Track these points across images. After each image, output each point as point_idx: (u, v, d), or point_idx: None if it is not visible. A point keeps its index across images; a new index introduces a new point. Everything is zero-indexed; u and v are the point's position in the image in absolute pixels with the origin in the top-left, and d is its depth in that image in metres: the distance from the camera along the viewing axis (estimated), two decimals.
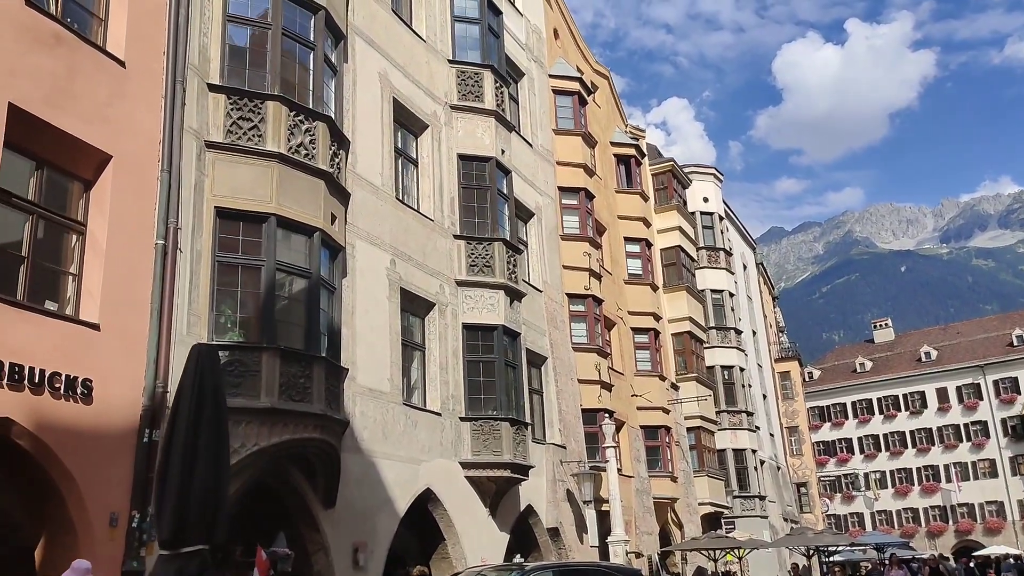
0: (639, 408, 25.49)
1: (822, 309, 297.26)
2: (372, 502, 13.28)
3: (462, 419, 16.28)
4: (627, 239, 27.36)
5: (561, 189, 23.33)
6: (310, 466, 11.83)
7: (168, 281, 10.01)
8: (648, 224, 28.69)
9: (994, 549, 48.91)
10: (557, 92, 24.09)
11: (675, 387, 28.98)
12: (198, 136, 11.06)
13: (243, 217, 11.23)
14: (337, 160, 12.82)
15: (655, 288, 27.87)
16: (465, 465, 16.09)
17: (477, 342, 17.09)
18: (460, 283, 17.12)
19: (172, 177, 10.32)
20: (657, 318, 27.38)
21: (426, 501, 15.11)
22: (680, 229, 31.08)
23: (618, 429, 24.13)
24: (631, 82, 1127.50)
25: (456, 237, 17.37)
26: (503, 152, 18.74)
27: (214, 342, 10.59)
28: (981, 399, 62.92)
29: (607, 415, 20.53)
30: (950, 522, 62.30)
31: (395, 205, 15.69)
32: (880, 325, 77.61)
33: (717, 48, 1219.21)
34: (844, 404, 68.89)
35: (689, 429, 29.28)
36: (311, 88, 12.55)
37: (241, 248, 11.22)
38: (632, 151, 28.50)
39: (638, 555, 23.14)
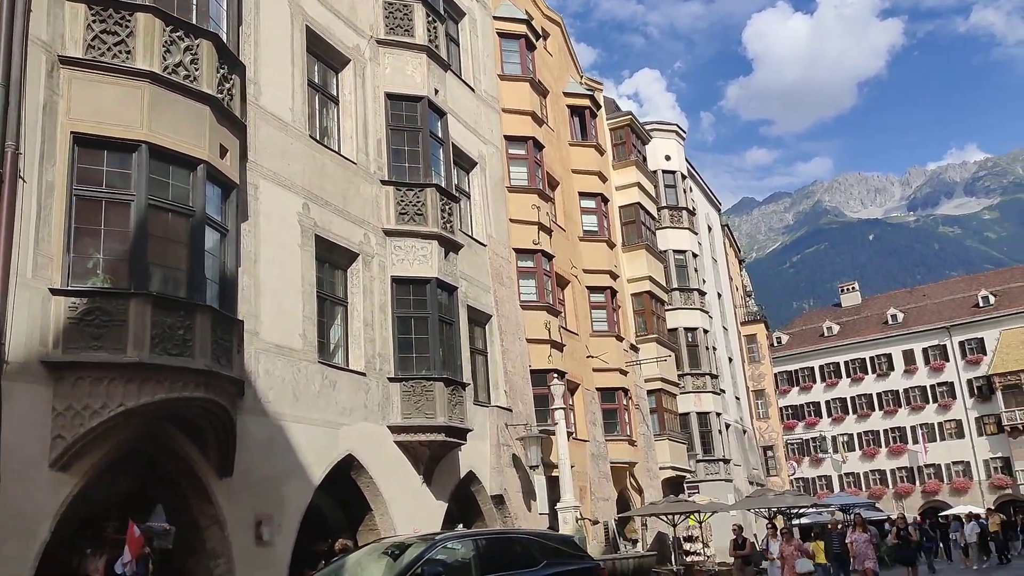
0: (595, 370, 24.34)
1: (793, 278, 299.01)
2: (280, 470, 11.93)
3: (391, 380, 14.96)
4: (582, 194, 26.07)
5: (507, 138, 21.93)
6: (198, 430, 10.45)
7: (5, 215, 8.52)
8: (604, 179, 27.39)
9: (960, 509, 48.85)
10: (502, 35, 22.60)
11: (635, 349, 27.88)
12: (48, 49, 9.50)
13: (107, 145, 9.71)
14: (228, 86, 11.30)
15: (612, 246, 26.64)
16: (394, 429, 14.80)
17: (408, 297, 15.74)
18: (388, 232, 15.71)
19: (11, 94, 8.79)
20: (614, 277, 26.17)
21: (348, 469, 13.81)
22: (639, 186, 29.81)
23: (572, 392, 23.04)
24: (603, 53, 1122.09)
25: (384, 183, 15.94)
26: (437, 92, 17.27)
27: (70, 288, 9.14)
28: (947, 360, 62.80)
29: (556, 376, 19.32)
30: (917, 483, 62.36)
31: (309, 144, 14.21)
32: (847, 289, 77.28)
33: (687, 18, 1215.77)
34: (812, 368, 68.59)
35: (649, 392, 28.23)
36: (195, 2, 10.99)
37: (106, 180, 9.71)
38: (587, 102, 27.11)
39: (594, 521, 22.10)
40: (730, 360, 41.44)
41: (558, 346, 21.39)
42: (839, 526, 19.90)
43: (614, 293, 25.87)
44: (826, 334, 70.16)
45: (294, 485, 12.20)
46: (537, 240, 21.42)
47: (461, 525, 16.40)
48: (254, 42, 13.07)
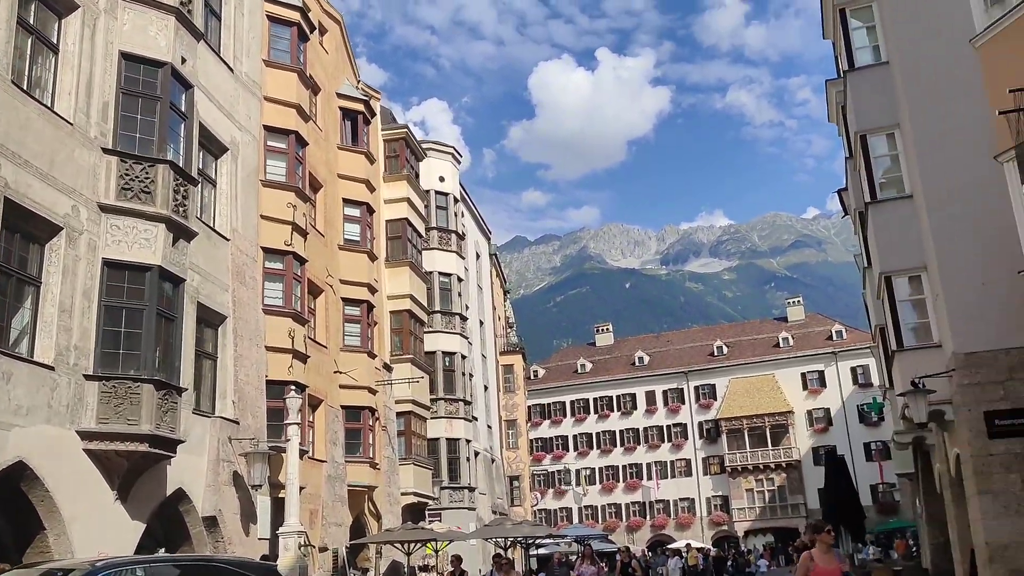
0: (342, 386, 23.00)
1: (555, 317, 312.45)
2: None
3: (88, 377, 12.86)
4: (346, 201, 24.82)
5: (267, 128, 20.31)
6: None
7: None
8: (373, 189, 26.33)
9: (682, 543, 52.17)
10: (273, 19, 21.02)
11: (388, 368, 26.85)
12: None
13: None
14: None
15: (374, 258, 25.55)
16: (86, 435, 12.69)
17: (123, 284, 13.73)
18: (105, 208, 13.65)
19: None
20: (373, 291, 25.07)
21: (18, 479, 11.56)
22: (409, 202, 29.03)
23: (314, 408, 21.54)
24: (393, 77, 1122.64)
25: (106, 151, 13.88)
26: (184, 61, 15.47)
27: None
28: (683, 403, 67.50)
29: (295, 389, 17.84)
30: (648, 517, 66.07)
31: (10, 90, 11.97)
32: (602, 330, 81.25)
33: (479, 57, 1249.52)
34: (564, 403, 71.06)
35: (399, 414, 27.26)
36: None
37: None
38: (361, 107, 26.00)
39: (322, 548, 20.63)
40: (485, 388, 41.55)
41: (302, 357, 19.89)
42: (564, 557, 19.74)
43: (371, 308, 24.76)
44: (579, 371, 73.14)
45: None
46: (290, 241, 19.90)
47: (163, 549, 14.45)
48: None
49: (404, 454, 27.08)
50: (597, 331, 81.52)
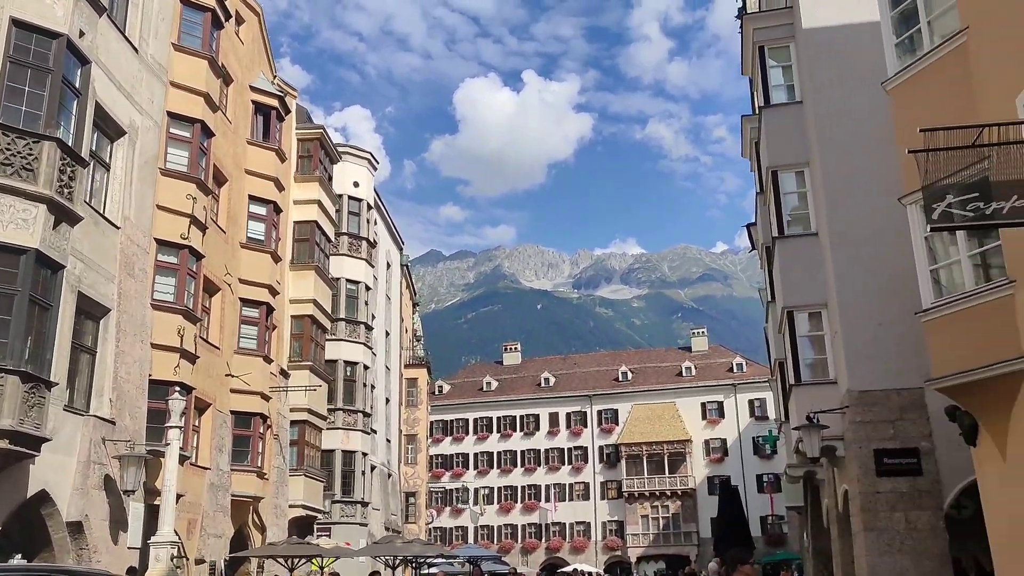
0: (233, 391, 21.97)
1: (466, 334, 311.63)
2: None
3: None
4: (253, 198, 23.86)
5: (171, 115, 19.31)
6: None
7: None
8: (282, 188, 25.42)
9: (577, 566, 52.23)
10: (186, 2, 20.07)
11: (285, 374, 25.87)
12: None
13: None
14: None
15: (277, 259, 24.62)
16: None
17: None
18: None
19: None
20: (274, 293, 24.12)
21: None
22: (320, 205, 28.20)
23: (201, 411, 20.49)
24: (317, 81, 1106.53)
25: None
26: (83, 35, 14.50)
27: None
28: (586, 427, 67.85)
29: (179, 390, 16.83)
30: (543, 539, 65.95)
31: None
32: (511, 349, 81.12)
33: (405, 68, 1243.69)
34: (467, 420, 70.52)
35: (294, 422, 26.29)
36: None
37: None
38: (275, 102, 25.14)
39: (198, 561, 19.54)
40: (387, 401, 40.70)
41: (191, 357, 18.86)
42: None
43: (271, 310, 23.80)
44: (485, 388, 72.78)
45: None
46: (187, 235, 18.90)
47: (19, 556, 13.29)
48: None
49: (296, 464, 26.10)
50: (505, 350, 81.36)
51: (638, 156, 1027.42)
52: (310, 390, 25.33)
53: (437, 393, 71.10)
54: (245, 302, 22.85)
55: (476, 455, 69.43)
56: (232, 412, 21.96)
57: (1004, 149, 7.48)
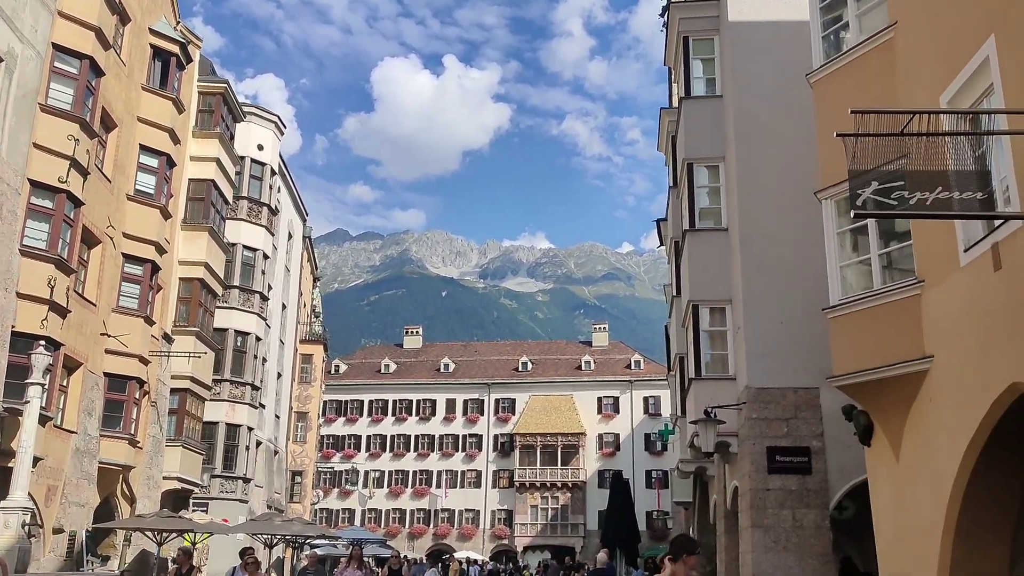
0: (108, 351, 20.48)
1: (367, 316, 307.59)
2: None
3: None
4: (144, 148, 22.29)
5: (57, 48, 17.76)
6: None
7: None
8: (177, 141, 23.86)
9: (464, 554, 51.87)
10: None
11: (168, 338, 24.40)
12: None
13: None
14: None
15: (167, 216, 23.10)
16: None
17: None
18: None
19: None
20: (162, 251, 22.63)
21: None
22: (218, 163, 26.72)
23: (71, 371, 19.00)
24: (230, 44, 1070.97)
25: None
26: None
27: None
28: (482, 414, 67.54)
29: (44, 344, 15.43)
30: (431, 525, 65.36)
31: None
32: (412, 332, 79.99)
33: (323, 40, 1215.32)
34: (362, 401, 69.15)
35: (175, 390, 24.86)
36: None
37: None
38: (175, 49, 23.56)
39: (56, 530, 18.11)
40: (279, 376, 39.25)
41: (61, 311, 17.39)
42: (319, 559, 17.80)
43: (156, 269, 22.32)
44: (383, 371, 71.54)
45: None
46: (66, 178, 17.40)
47: None
48: None
49: (173, 435, 24.68)
50: (406, 333, 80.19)
51: (553, 151, 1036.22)
52: (194, 357, 23.94)
53: (333, 372, 69.46)
54: (128, 258, 21.33)
55: (369, 437, 68.19)
56: (106, 374, 20.48)
57: (930, 140, 7.28)
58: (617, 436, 65.10)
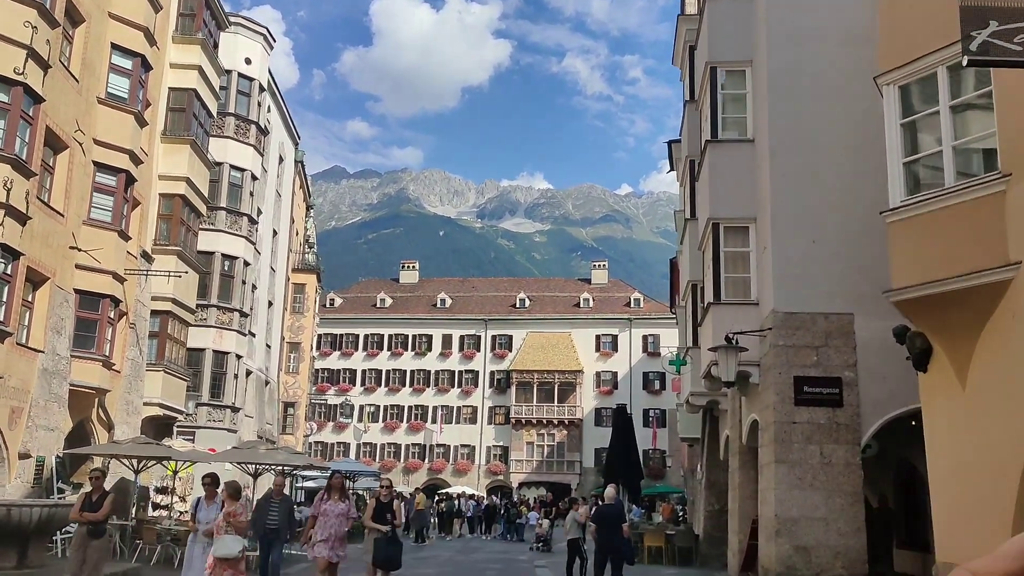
0: (79, 267, 18.98)
1: (364, 254, 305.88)
2: None
3: None
4: (116, 47, 20.39)
5: None
6: None
7: None
8: (153, 42, 21.92)
9: (458, 488, 51.32)
10: None
11: (148, 257, 22.91)
12: None
13: None
14: None
15: (144, 124, 21.34)
16: None
17: None
18: None
19: None
20: (138, 162, 20.94)
21: None
22: (201, 72, 24.84)
23: (36, 285, 17.53)
24: None
25: None
26: None
27: None
28: (479, 350, 66.54)
29: (1, 253, 13.94)
30: (427, 460, 64.92)
31: None
32: (409, 267, 78.56)
33: None
34: (357, 336, 68.10)
35: (155, 312, 23.46)
36: None
37: None
38: None
39: (24, 455, 16.87)
40: (270, 304, 37.89)
41: (20, 217, 15.83)
42: (283, 488, 13.80)
43: (132, 181, 20.65)
44: (379, 305, 70.33)
45: None
46: (22, 69, 15.67)
47: None
48: None
49: (155, 359, 23.36)
50: (403, 267, 78.75)
51: (553, 90, 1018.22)
52: (174, 276, 22.45)
53: (328, 305, 68.26)
54: (100, 167, 19.65)
55: (364, 372, 67.32)
56: (77, 291, 19.01)
57: None
58: (615, 374, 64.23)
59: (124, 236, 20.27)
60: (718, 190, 16.25)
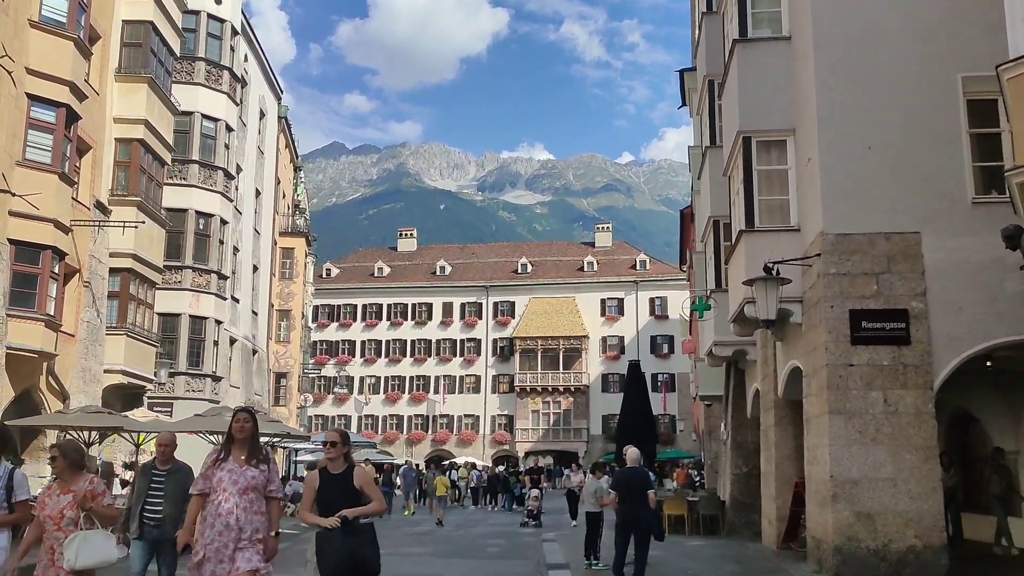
0: (14, 214, 16.58)
1: (365, 230, 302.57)
2: None
3: None
4: None
5: None
6: None
7: None
8: None
9: (463, 459, 49.31)
10: None
11: (104, 209, 20.51)
12: None
13: None
14: None
15: (88, 54, 18.85)
16: None
17: None
18: None
19: None
20: (81, 97, 18.47)
21: None
22: (158, 4, 22.29)
23: None
24: None
25: None
26: None
27: None
28: (480, 319, 64.30)
29: None
30: (429, 431, 62.95)
31: None
32: (406, 235, 76.15)
33: None
34: (355, 306, 65.91)
35: (114, 270, 21.11)
36: None
37: None
38: None
39: None
40: (255, 268, 35.51)
41: None
42: (171, 448, 10.16)
43: (75, 118, 18.19)
44: (376, 274, 68.03)
45: None
46: None
47: None
48: None
49: (116, 321, 21.04)
50: (401, 235, 76.31)
51: (551, 59, 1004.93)
52: (130, 227, 20.04)
53: (325, 276, 65.94)
54: (35, 99, 17.17)
55: (364, 342, 65.16)
56: (12, 241, 16.62)
57: None
58: (622, 339, 61.98)
59: (67, 180, 17.83)
60: (749, 98, 13.75)
